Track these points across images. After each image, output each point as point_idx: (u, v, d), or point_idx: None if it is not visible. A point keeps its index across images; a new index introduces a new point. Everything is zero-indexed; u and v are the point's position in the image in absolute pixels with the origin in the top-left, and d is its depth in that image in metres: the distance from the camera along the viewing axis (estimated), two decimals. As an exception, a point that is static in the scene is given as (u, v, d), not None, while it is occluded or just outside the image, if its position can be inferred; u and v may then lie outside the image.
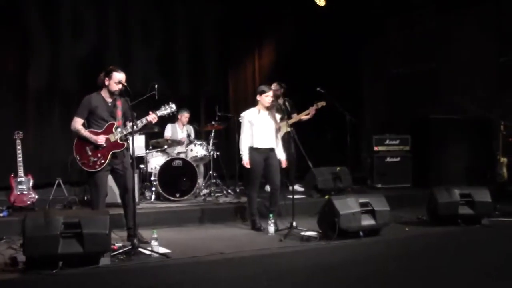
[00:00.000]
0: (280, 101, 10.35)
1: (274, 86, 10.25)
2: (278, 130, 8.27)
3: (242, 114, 8.27)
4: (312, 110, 10.47)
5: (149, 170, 10.02)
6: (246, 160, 8.09)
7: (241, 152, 8.15)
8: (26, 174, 8.59)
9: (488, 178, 10.48)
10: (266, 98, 8.10)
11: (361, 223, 7.18)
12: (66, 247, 5.71)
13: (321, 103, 10.43)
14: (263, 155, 8.09)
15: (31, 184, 8.60)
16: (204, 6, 12.79)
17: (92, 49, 11.55)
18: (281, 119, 8.47)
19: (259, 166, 8.08)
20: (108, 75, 6.86)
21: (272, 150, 8.17)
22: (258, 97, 8.17)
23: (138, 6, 12.21)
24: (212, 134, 10.55)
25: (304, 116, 10.50)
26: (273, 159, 8.16)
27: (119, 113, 6.98)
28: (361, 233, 7.16)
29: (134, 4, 12.16)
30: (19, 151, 8.60)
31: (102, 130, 6.84)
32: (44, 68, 11.18)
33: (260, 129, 8.09)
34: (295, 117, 10.39)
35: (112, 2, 11.92)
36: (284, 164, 8.31)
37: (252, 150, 8.09)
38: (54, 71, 11.27)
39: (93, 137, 6.76)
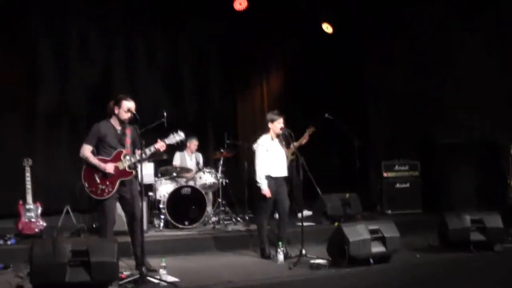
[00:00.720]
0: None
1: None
2: (290, 156, 8.23)
3: (258, 142, 8.16)
4: (306, 136, 10.58)
5: (157, 197, 10.00)
6: (266, 190, 7.92)
7: (258, 181, 7.96)
8: (34, 202, 8.58)
9: (499, 201, 10.39)
10: (278, 125, 8.07)
11: (371, 250, 7.12)
12: (74, 276, 5.70)
13: (311, 129, 10.53)
14: (277, 183, 8.06)
15: (39, 211, 8.58)
16: (210, 31, 12.83)
17: (100, 75, 11.69)
18: (288, 146, 8.46)
19: (274, 194, 8.00)
20: (118, 103, 6.87)
21: (284, 178, 8.17)
22: (269, 125, 8.12)
23: (145, 32, 12.31)
24: (221, 161, 10.53)
25: (303, 141, 10.58)
26: (283, 185, 8.16)
27: (128, 141, 6.98)
28: (371, 260, 7.09)
29: (141, 30, 12.25)
30: (28, 178, 8.61)
31: (111, 158, 6.82)
32: (52, 94, 11.28)
33: (275, 157, 8.07)
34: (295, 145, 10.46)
35: (119, 28, 12.03)
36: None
37: (269, 178, 8.02)
38: (63, 97, 11.37)
39: (102, 165, 6.75)
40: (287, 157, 8.29)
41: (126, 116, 6.85)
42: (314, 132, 10.60)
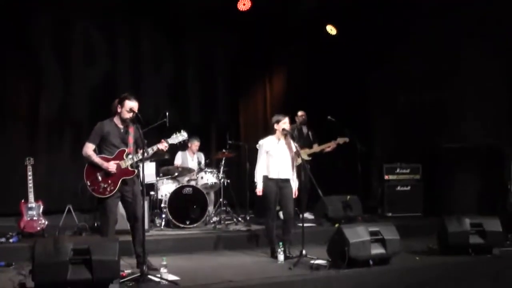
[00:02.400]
0: (305, 129, 10.49)
1: (301, 113, 10.45)
2: (297, 157, 8.19)
3: (260, 142, 8.22)
4: (333, 144, 10.57)
5: (159, 197, 10.03)
6: (259, 189, 8.06)
7: (255, 180, 8.11)
8: (36, 200, 8.60)
9: (499, 207, 10.39)
10: (284, 125, 8.09)
11: (371, 252, 7.14)
12: (75, 274, 5.73)
13: (344, 140, 10.52)
14: (278, 185, 8.04)
15: (41, 210, 8.60)
16: (215, 34, 12.86)
17: (103, 78, 11.77)
18: (302, 147, 8.46)
19: (273, 195, 8.00)
20: (121, 102, 6.89)
21: (287, 180, 8.11)
22: (275, 126, 8.12)
23: (149, 35, 12.36)
24: (223, 162, 10.57)
25: (327, 149, 10.59)
26: (287, 188, 8.09)
27: (130, 140, 7.00)
28: (371, 262, 7.13)
29: (146, 33, 12.30)
30: (30, 177, 8.62)
31: (113, 157, 6.86)
32: (55, 96, 11.38)
33: (277, 159, 8.04)
34: (315, 148, 10.50)
35: (123, 31, 12.08)
36: (295, 193, 8.23)
37: (267, 179, 8.05)
38: (66, 99, 11.46)
39: (104, 164, 6.78)
40: (297, 156, 8.20)
41: (128, 115, 6.87)
42: (346, 143, 10.63)
